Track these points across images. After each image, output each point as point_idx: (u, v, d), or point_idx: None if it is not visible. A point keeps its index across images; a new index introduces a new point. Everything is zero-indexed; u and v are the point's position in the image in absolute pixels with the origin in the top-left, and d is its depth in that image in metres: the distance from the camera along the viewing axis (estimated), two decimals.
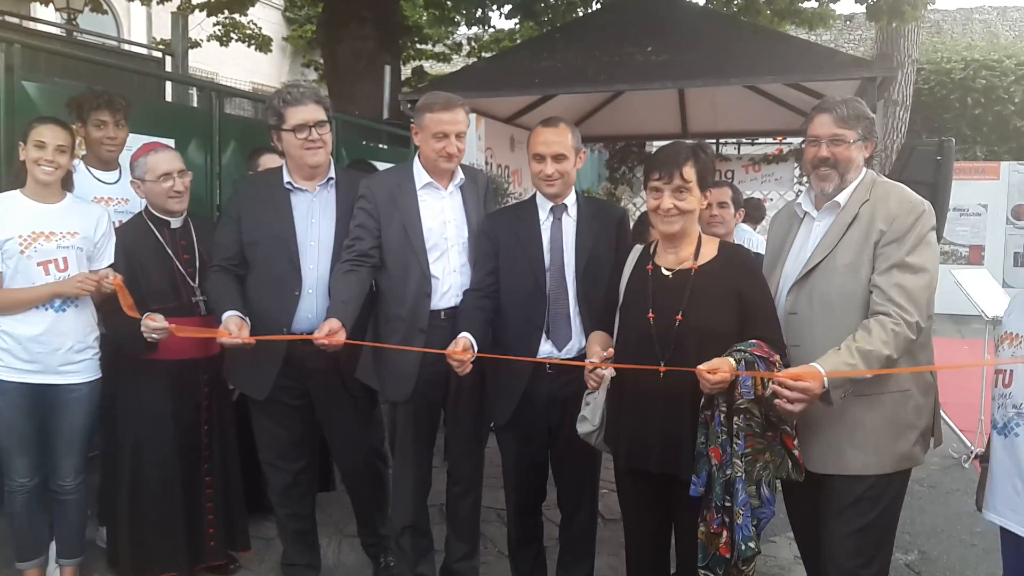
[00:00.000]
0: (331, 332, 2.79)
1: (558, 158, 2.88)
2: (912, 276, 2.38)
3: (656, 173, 2.45)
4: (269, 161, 3.94)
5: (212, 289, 3.08)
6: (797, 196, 2.95)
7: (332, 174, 3.15)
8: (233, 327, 2.84)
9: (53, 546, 3.23)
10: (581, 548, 3.13)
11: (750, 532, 2.24)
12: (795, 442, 2.33)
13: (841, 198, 2.53)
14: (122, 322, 2.95)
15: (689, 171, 2.43)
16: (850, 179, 2.53)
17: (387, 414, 3.31)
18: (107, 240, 3.12)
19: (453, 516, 3.27)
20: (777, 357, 2.33)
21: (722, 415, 2.28)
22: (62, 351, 2.97)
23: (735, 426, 2.25)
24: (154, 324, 2.90)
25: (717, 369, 2.21)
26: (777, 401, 2.24)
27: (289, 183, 3.08)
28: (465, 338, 2.82)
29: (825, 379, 2.26)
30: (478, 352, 2.83)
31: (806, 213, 2.65)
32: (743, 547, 2.23)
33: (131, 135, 3.54)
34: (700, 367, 2.22)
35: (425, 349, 2.91)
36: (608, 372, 2.50)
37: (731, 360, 2.24)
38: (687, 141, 2.61)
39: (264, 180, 3.22)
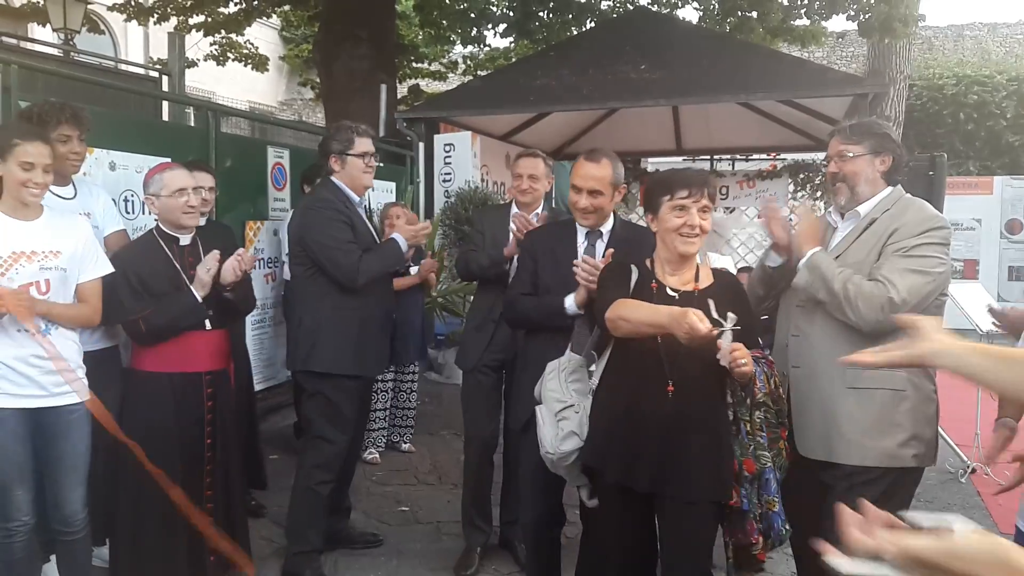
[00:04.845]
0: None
1: (593, 193, 2.91)
2: (913, 260, 2.44)
3: (685, 190, 2.39)
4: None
5: (369, 253, 3.48)
6: (791, 212, 3.03)
7: None
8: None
9: (45, 569, 3.15)
10: None
11: (783, 516, 2.42)
12: (786, 434, 2.51)
13: (863, 209, 2.60)
14: (169, 305, 3.04)
15: (711, 192, 2.44)
16: (864, 192, 2.59)
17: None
18: (93, 249, 2.97)
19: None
20: (771, 358, 2.44)
21: (747, 425, 2.39)
22: (54, 372, 2.78)
23: (757, 419, 2.38)
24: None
25: (739, 347, 2.18)
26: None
27: (359, 201, 3.63)
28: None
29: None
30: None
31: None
32: (783, 531, 2.40)
33: (131, 155, 3.53)
34: (724, 346, 2.17)
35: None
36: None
37: None
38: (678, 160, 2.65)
39: (337, 198, 3.55)
